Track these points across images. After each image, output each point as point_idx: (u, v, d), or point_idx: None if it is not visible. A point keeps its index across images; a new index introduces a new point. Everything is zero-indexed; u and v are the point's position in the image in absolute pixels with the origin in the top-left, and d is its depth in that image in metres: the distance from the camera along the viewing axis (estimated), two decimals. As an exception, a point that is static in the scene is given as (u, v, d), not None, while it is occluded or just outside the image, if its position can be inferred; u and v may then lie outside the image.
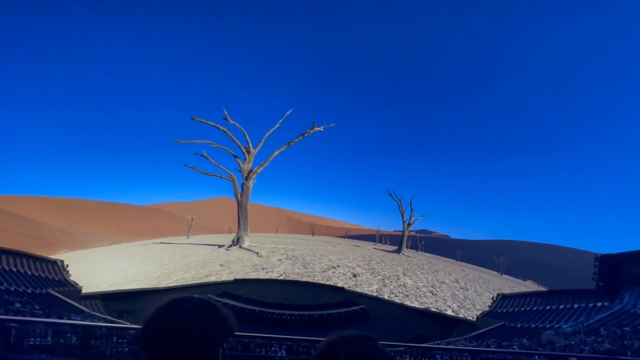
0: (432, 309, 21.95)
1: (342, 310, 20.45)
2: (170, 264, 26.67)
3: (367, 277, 26.76)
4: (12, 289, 16.50)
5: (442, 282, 29.70)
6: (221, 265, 25.88)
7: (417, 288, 25.77)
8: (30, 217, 55.42)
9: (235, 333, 0.88)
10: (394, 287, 25.18)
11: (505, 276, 50.85)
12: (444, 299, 24.31)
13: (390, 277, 27.90)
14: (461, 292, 27.64)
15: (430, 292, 25.46)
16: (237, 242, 33.00)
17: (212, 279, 22.67)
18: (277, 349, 10.07)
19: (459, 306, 23.40)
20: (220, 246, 33.03)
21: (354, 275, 26.72)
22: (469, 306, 23.75)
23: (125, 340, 8.96)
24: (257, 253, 29.87)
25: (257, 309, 19.17)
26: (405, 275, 29.53)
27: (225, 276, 23.08)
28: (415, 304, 22.39)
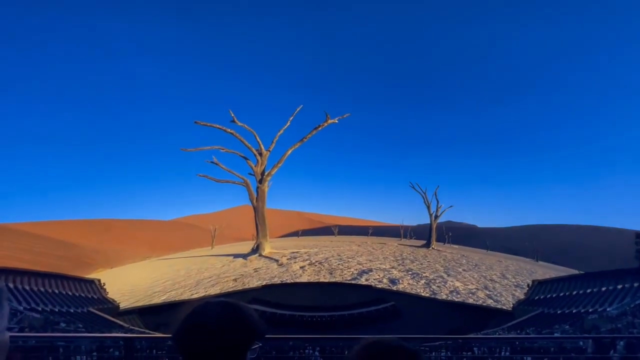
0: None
1: (373, 308, 20.30)
2: (182, 282, 25.64)
3: (409, 283, 23.87)
4: (57, 309, 17.42)
5: (490, 279, 26.94)
6: (235, 280, 24.50)
7: (472, 293, 23.06)
8: (65, 239, 58.31)
9: (266, 336, 0.89)
10: (446, 294, 22.42)
11: (543, 263, 48.51)
12: (508, 306, 21.51)
13: (435, 280, 25.15)
14: (518, 290, 24.64)
15: (488, 296, 22.67)
16: (256, 249, 31.92)
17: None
18: (311, 350, 10.10)
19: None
20: (236, 256, 32.20)
21: (392, 282, 23.95)
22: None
23: (163, 352, 9.27)
24: (277, 261, 28.83)
25: (288, 313, 19.33)
26: (449, 275, 26.82)
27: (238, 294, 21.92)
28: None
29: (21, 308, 15.33)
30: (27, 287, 18.07)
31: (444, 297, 22.23)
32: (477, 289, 24.11)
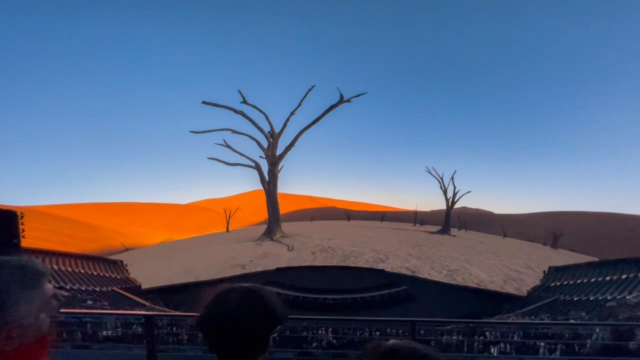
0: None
1: (385, 292, 20.52)
2: (191, 266, 25.30)
3: (429, 274, 22.69)
4: (84, 288, 18.42)
5: (515, 270, 25.74)
6: (243, 267, 23.78)
7: (500, 286, 21.96)
8: (89, 222, 60.97)
9: (285, 319, 0.92)
10: (475, 287, 21.47)
11: (563, 251, 47.09)
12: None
13: (458, 270, 23.75)
14: (547, 281, 23.74)
15: (517, 289, 21.61)
16: (268, 233, 31.76)
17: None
18: (324, 331, 10.37)
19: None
20: (247, 241, 31.96)
21: (412, 272, 22.73)
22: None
23: (183, 329, 9.74)
24: (288, 247, 28.42)
25: (301, 295, 19.78)
26: (471, 265, 25.48)
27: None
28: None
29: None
30: (55, 267, 19.11)
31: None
32: (503, 280, 23.03)
